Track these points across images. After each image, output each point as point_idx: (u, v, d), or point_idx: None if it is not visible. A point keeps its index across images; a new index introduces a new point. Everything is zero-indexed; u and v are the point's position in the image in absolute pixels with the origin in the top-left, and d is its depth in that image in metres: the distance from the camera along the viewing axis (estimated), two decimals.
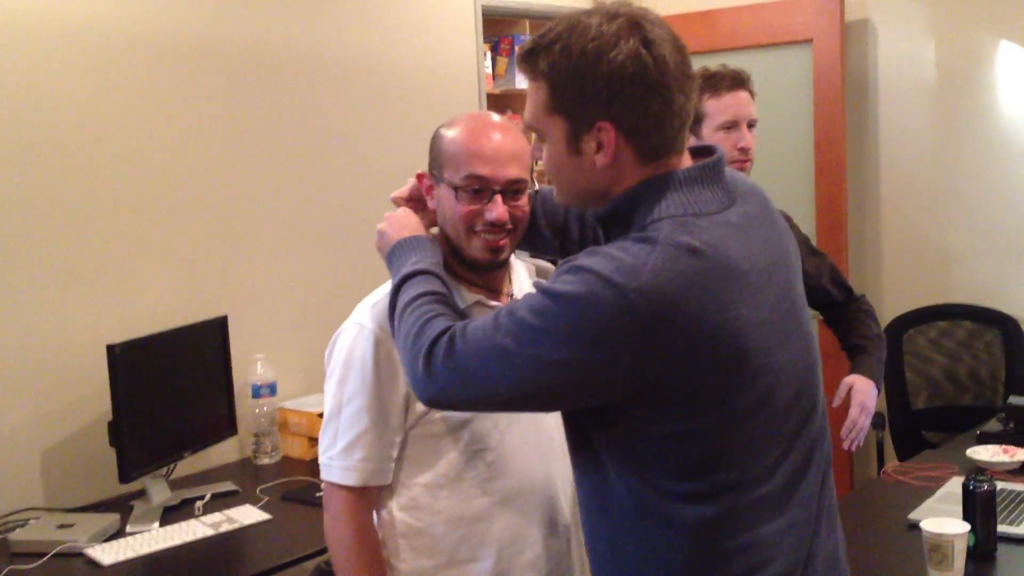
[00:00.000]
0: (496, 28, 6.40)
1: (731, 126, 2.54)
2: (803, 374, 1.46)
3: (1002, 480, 2.60)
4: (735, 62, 4.51)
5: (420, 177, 1.87)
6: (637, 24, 1.39)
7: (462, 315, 1.58)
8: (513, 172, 1.76)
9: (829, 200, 4.30)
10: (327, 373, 1.87)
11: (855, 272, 4.34)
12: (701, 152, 1.49)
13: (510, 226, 1.78)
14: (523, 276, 1.97)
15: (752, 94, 2.58)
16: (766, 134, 4.44)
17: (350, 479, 1.80)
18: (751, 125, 2.56)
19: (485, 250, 1.78)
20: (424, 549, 1.84)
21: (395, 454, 1.82)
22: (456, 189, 1.76)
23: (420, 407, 1.79)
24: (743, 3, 4.48)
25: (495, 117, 1.86)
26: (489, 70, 6.41)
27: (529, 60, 1.43)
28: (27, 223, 2.91)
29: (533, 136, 1.55)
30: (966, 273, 4.21)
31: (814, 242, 3.21)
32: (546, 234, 1.89)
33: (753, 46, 4.37)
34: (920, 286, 4.27)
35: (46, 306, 2.94)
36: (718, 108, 2.55)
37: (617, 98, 1.37)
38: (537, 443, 1.88)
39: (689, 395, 1.34)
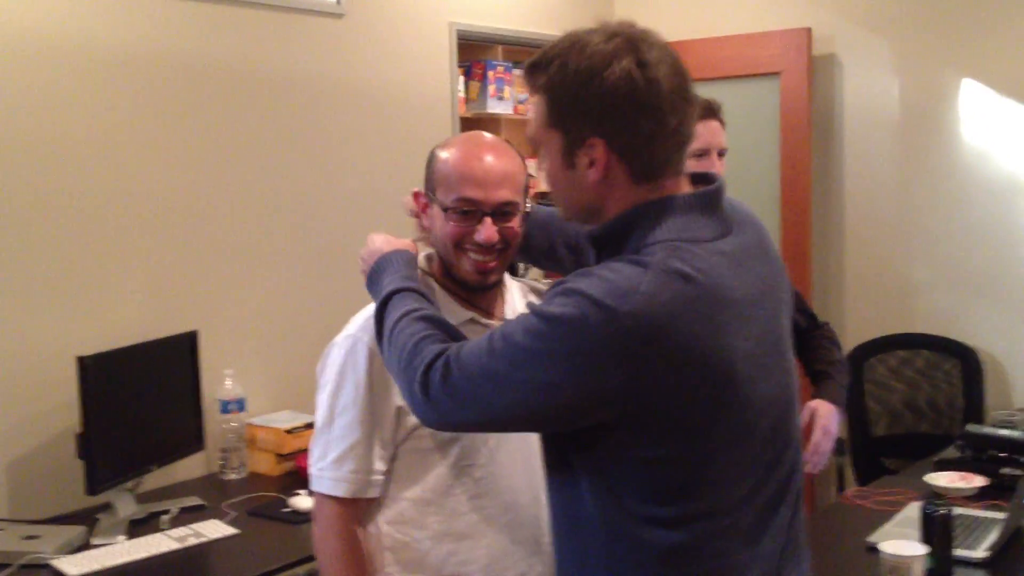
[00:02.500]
0: (469, 53, 6.46)
1: (701, 154, 2.60)
2: (781, 408, 1.48)
3: (959, 506, 2.65)
4: (705, 92, 4.58)
5: (416, 195, 1.90)
6: (634, 45, 1.41)
7: (448, 328, 1.59)
8: (503, 194, 1.79)
9: (794, 229, 4.38)
10: (319, 385, 1.88)
11: (818, 300, 4.41)
12: (702, 179, 1.51)
13: (500, 246, 1.81)
14: (516, 296, 1.98)
15: (722, 123, 2.64)
16: (734, 163, 4.49)
17: (340, 490, 1.81)
18: (721, 154, 2.61)
19: (474, 271, 1.81)
20: (410, 564, 1.86)
21: (385, 467, 1.84)
22: (447, 210, 1.79)
23: (412, 421, 1.81)
24: (713, 35, 4.56)
25: (490, 138, 1.89)
26: (462, 94, 6.47)
27: (531, 75, 1.47)
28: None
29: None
30: (927, 304, 4.29)
31: None
32: (534, 254, 1.94)
33: (723, 77, 4.45)
34: (881, 316, 4.35)
35: (15, 317, 2.93)
36: None
37: (608, 116, 1.40)
38: (526, 462, 1.90)
39: (674, 421, 1.35)
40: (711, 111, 2.61)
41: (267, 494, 3.13)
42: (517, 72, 6.93)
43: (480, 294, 1.89)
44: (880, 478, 3.33)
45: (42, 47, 2.99)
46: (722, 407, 1.37)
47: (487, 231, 1.78)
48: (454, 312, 1.86)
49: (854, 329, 4.34)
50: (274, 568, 2.63)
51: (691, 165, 2.59)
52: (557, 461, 1.52)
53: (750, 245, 1.49)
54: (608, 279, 1.35)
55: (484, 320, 1.89)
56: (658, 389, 1.33)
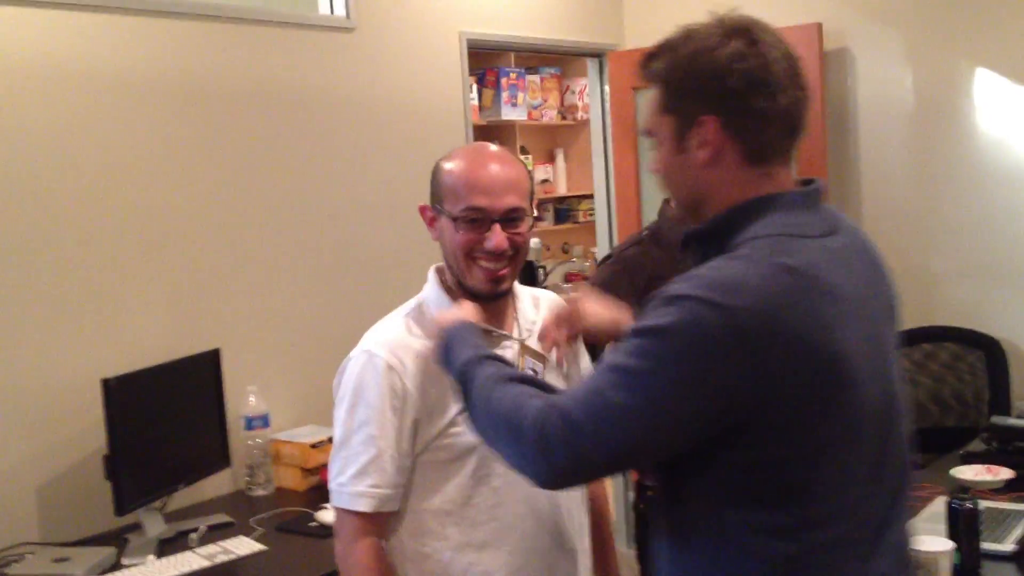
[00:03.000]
0: (482, 60, 6.48)
1: None
2: (888, 417, 1.44)
3: (986, 499, 2.64)
4: None
5: (423, 210, 1.93)
6: (746, 29, 1.43)
7: (540, 383, 1.54)
8: (511, 201, 1.83)
9: None
10: (336, 401, 1.90)
11: None
12: (801, 183, 1.51)
13: (510, 253, 1.84)
14: (527, 304, 2.01)
15: None
16: None
17: (361, 505, 1.83)
18: None
19: (486, 280, 1.85)
20: (432, 575, 1.87)
21: (404, 480, 1.86)
22: (456, 220, 1.82)
23: (429, 433, 1.84)
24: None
25: (493, 148, 1.93)
26: (475, 102, 6.49)
27: (645, 66, 1.49)
28: (18, 258, 2.94)
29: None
30: (948, 295, 4.27)
31: None
32: None
33: None
34: (903, 309, 4.32)
35: (39, 341, 2.96)
36: None
37: (719, 92, 1.40)
38: None
39: (787, 419, 1.32)
40: None
41: (294, 509, 3.14)
42: (530, 78, 6.94)
43: (491, 304, 1.90)
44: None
45: (59, 71, 3.02)
46: (832, 404, 1.34)
47: (496, 238, 1.82)
48: None
49: None
50: None
51: None
52: (662, 470, 1.48)
53: (855, 247, 1.47)
54: (712, 278, 1.33)
55: (497, 330, 1.91)
56: (774, 384, 1.30)
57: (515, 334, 1.95)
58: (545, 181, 7.27)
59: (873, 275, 1.48)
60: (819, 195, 1.46)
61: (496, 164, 1.86)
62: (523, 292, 2.03)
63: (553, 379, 1.88)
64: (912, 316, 4.26)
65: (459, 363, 1.61)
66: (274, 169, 3.58)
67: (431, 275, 1.98)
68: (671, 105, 1.45)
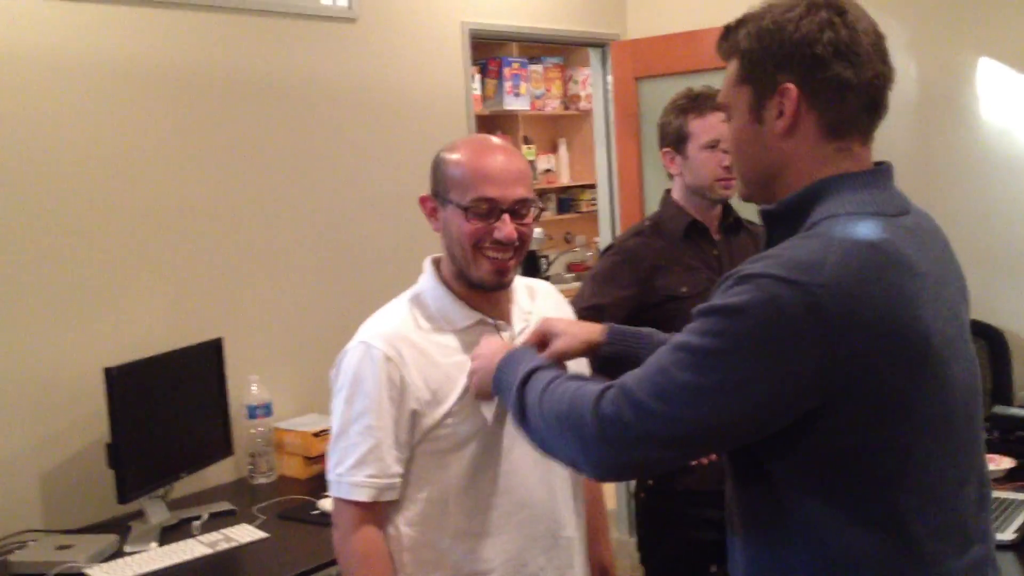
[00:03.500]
0: (484, 51, 6.48)
1: (715, 145, 2.60)
2: (971, 397, 1.40)
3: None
4: (712, 81, 4.59)
5: (424, 200, 1.93)
6: (834, 1, 1.40)
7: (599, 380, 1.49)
8: (520, 192, 1.85)
9: None
10: (333, 392, 1.91)
11: None
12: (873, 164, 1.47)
13: (517, 244, 1.86)
14: (523, 295, 2.02)
15: None
16: None
17: (360, 495, 1.84)
18: None
19: (493, 271, 1.86)
20: (430, 563, 1.89)
21: (402, 470, 1.87)
22: (465, 210, 1.82)
23: (427, 423, 1.85)
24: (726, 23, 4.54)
25: (496, 140, 1.94)
26: (478, 92, 6.49)
27: (726, 38, 1.46)
28: (21, 248, 2.94)
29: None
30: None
31: None
32: None
33: None
34: None
35: (42, 331, 2.97)
36: (703, 128, 2.61)
37: (804, 59, 1.36)
38: (540, 457, 1.91)
39: (876, 401, 1.27)
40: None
41: (296, 497, 3.15)
42: (533, 68, 6.94)
43: (490, 295, 1.91)
44: None
45: (68, 62, 3.03)
46: (922, 384, 1.29)
47: (507, 228, 1.83)
48: (462, 314, 1.90)
49: None
50: (305, 570, 2.65)
51: (705, 157, 2.62)
52: (745, 465, 1.41)
53: (927, 228, 1.44)
54: (789, 257, 1.28)
55: (493, 321, 1.92)
56: (859, 366, 1.25)
57: (512, 323, 1.96)
58: (548, 171, 7.26)
59: (945, 256, 1.46)
60: (891, 174, 1.43)
61: (503, 155, 1.87)
62: (518, 282, 2.04)
63: None
64: None
65: (520, 374, 1.57)
66: (276, 160, 3.59)
67: (427, 266, 1.98)
68: (751, 74, 1.41)
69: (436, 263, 1.97)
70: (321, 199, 3.72)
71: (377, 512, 1.87)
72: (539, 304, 2.05)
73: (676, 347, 1.32)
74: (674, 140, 2.67)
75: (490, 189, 1.82)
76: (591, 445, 1.37)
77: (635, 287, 2.67)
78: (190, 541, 2.79)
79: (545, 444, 1.51)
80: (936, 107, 4.25)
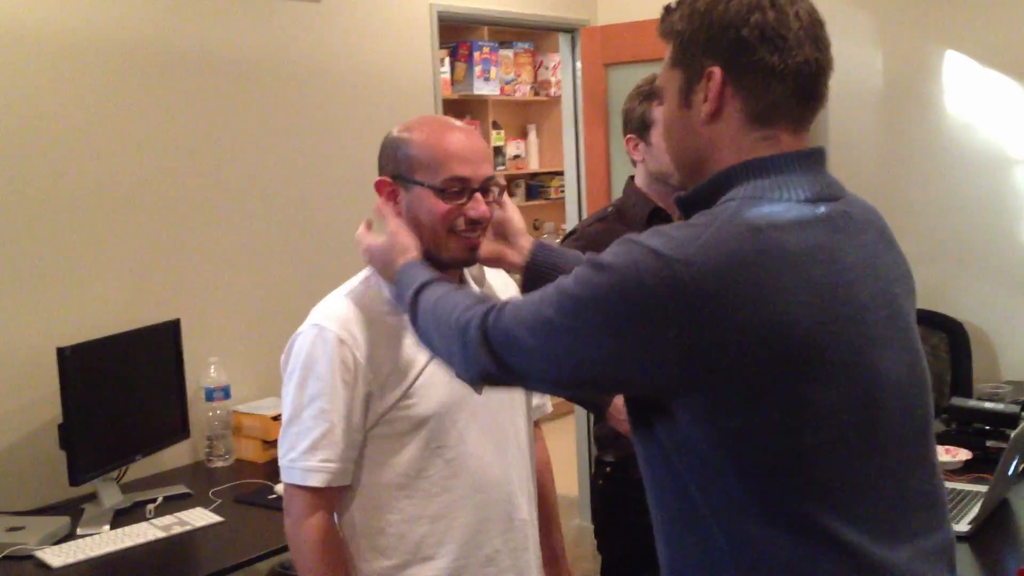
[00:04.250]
0: (455, 34, 6.44)
1: None
2: (909, 390, 1.37)
3: (945, 480, 2.65)
4: None
5: (380, 185, 1.87)
6: None
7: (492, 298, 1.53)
8: (487, 170, 1.84)
9: None
10: (285, 376, 1.88)
11: None
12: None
13: (485, 222, 1.84)
14: (469, 278, 2.01)
15: None
16: None
17: (313, 480, 1.81)
18: None
19: (464, 249, 1.83)
20: (386, 548, 1.87)
21: (355, 454, 1.84)
22: (440, 191, 1.79)
23: (381, 407, 1.83)
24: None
25: (452, 119, 1.92)
26: (447, 75, 6.45)
27: (663, 20, 1.43)
28: None
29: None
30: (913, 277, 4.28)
31: None
32: None
33: None
34: None
35: None
36: (658, 116, 2.60)
37: (729, 42, 1.33)
38: (495, 440, 1.93)
39: (751, 384, 1.24)
40: None
41: (253, 481, 3.12)
42: (503, 53, 6.90)
43: (451, 274, 1.89)
44: None
45: (15, 35, 2.97)
46: (810, 369, 1.25)
47: (481, 207, 1.81)
48: None
49: None
50: (259, 554, 2.65)
51: (660, 147, 2.59)
52: (651, 451, 1.38)
53: (861, 217, 1.39)
54: (669, 232, 1.28)
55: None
56: (722, 347, 1.23)
57: None
58: (517, 157, 7.25)
59: (879, 247, 1.40)
60: (816, 158, 1.37)
61: (465, 134, 1.85)
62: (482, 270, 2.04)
63: None
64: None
65: (416, 282, 1.64)
66: (238, 140, 3.54)
67: None
68: (681, 58, 1.38)
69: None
70: (284, 180, 3.69)
71: (330, 497, 1.85)
72: (489, 281, 2.05)
73: (556, 285, 1.35)
74: (637, 127, 2.66)
75: (462, 168, 1.80)
76: (469, 353, 1.43)
77: None
78: (143, 524, 2.77)
79: (425, 340, 1.60)
80: (901, 100, 4.27)
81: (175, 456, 3.31)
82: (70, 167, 3.10)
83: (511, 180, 7.36)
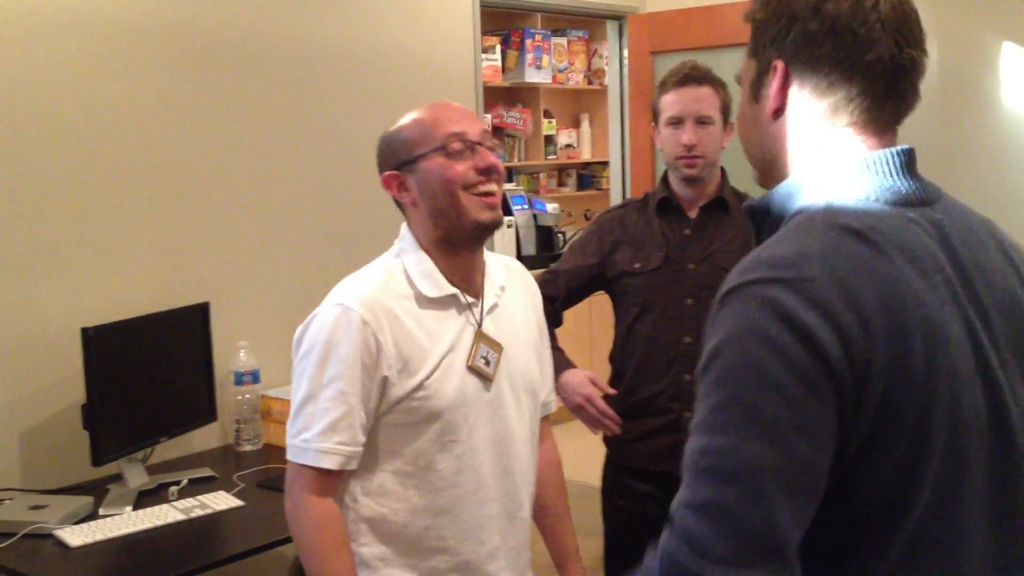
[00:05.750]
0: (507, 21, 6.40)
1: (677, 122, 2.54)
2: (999, 429, 1.16)
3: None
4: (730, 59, 4.47)
5: (388, 180, 1.89)
6: None
7: None
8: (480, 125, 1.89)
9: None
10: (299, 354, 1.86)
11: None
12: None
13: (497, 175, 1.87)
14: (497, 267, 2.00)
15: (717, 90, 2.56)
16: None
17: (328, 462, 1.80)
18: (702, 122, 2.53)
19: (485, 207, 1.84)
20: (387, 536, 1.86)
21: (365, 439, 1.83)
22: (443, 150, 1.82)
23: (396, 393, 1.82)
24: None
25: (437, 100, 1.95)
26: (498, 63, 6.41)
27: (748, 7, 1.32)
28: (4, 206, 2.92)
29: None
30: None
31: None
32: None
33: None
34: None
35: (23, 288, 2.96)
36: (667, 103, 2.57)
37: (793, 33, 1.22)
38: (502, 438, 1.91)
39: (889, 407, 1.07)
40: (692, 77, 2.55)
41: (279, 466, 3.10)
42: (556, 40, 6.84)
43: (470, 255, 1.89)
44: None
45: (52, 17, 2.99)
46: (929, 405, 1.09)
47: (488, 156, 1.85)
48: (439, 285, 1.87)
49: None
50: (276, 540, 2.63)
51: (668, 134, 2.57)
52: None
53: (962, 225, 1.25)
54: (767, 257, 1.13)
55: (465, 297, 1.89)
56: (873, 365, 1.06)
57: (485, 295, 1.93)
58: (569, 146, 7.18)
59: (986, 262, 1.23)
60: (903, 159, 1.23)
61: (450, 103, 1.91)
62: (494, 258, 2.02)
63: (507, 364, 1.91)
64: None
65: None
66: (272, 121, 3.54)
67: (405, 231, 1.94)
68: (754, 48, 1.28)
69: (412, 231, 1.93)
70: (317, 163, 3.68)
71: (337, 481, 1.83)
72: (512, 281, 2.03)
73: (697, 424, 1.11)
74: (654, 116, 2.64)
75: (456, 125, 1.84)
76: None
77: (597, 258, 2.70)
78: (164, 506, 2.77)
79: None
80: (956, 91, 4.14)
81: (204, 439, 3.32)
82: (99, 148, 3.12)
83: (562, 169, 7.30)
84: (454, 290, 1.88)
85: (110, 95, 3.13)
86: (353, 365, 1.78)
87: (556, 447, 2.22)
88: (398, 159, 1.87)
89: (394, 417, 1.83)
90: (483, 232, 1.87)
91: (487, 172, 1.83)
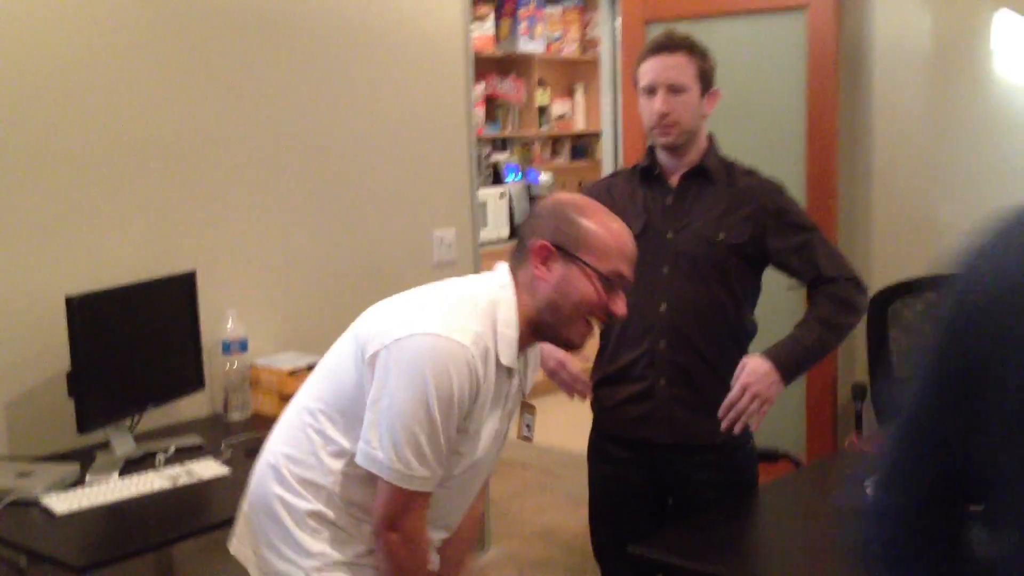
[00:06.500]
0: None
1: (651, 90, 2.53)
2: None
3: None
4: (726, 28, 4.46)
5: (542, 248, 1.91)
6: None
7: None
8: (632, 270, 1.98)
9: (819, 168, 4.24)
10: (405, 374, 1.84)
11: (844, 243, 4.28)
12: None
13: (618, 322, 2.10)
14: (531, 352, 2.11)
15: (693, 57, 2.53)
16: (756, 103, 4.39)
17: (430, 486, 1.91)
18: (675, 89, 2.51)
19: (583, 337, 1.96)
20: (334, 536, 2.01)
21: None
22: (603, 278, 1.90)
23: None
24: None
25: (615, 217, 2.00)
26: (492, 32, 6.37)
27: None
28: None
29: None
30: (957, 244, 4.14)
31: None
32: None
33: (745, 12, 4.30)
34: (910, 257, 4.21)
35: (7, 257, 2.94)
36: (642, 72, 2.58)
37: None
38: (474, 487, 2.12)
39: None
40: (664, 46, 2.54)
41: (267, 434, 3.11)
42: (550, 10, 6.79)
43: (527, 345, 1.99)
44: None
45: None
46: None
47: (623, 306, 1.95)
48: (512, 358, 1.93)
49: (880, 270, 4.21)
50: None
51: (643, 103, 2.56)
52: None
53: None
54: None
55: (520, 373, 2.02)
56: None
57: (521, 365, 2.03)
58: (562, 117, 7.15)
59: None
60: None
61: (630, 236, 1.98)
62: None
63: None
64: (918, 264, 4.16)
65: None
66: (261, 87, 3.51)
67: (509, 282, 1.95)
68: None
69: (514, 310, 1.94)
70: (305, 129, 3.65)
71: None
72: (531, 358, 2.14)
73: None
74: (635, 85, 2.63)
75: (628, 269, 1.93)
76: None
77: None
78: (151, 474, 2.77)
79: None
80: (951, 60, 4.11)
81: (193, 407, 3.32)
82: (84, 112, 3.08)
83: (556, 140, 7.27)
84: (517, 364, 1.96)
85: (96, 60, 3.10)
86: (462, 407, 1.85)
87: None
88: (563, 242, 1.91)
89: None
90: (565, 348, 2.04)
91: (611, 317, 1.95)
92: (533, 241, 1.91)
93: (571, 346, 1.97)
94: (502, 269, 1.97)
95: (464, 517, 2.17)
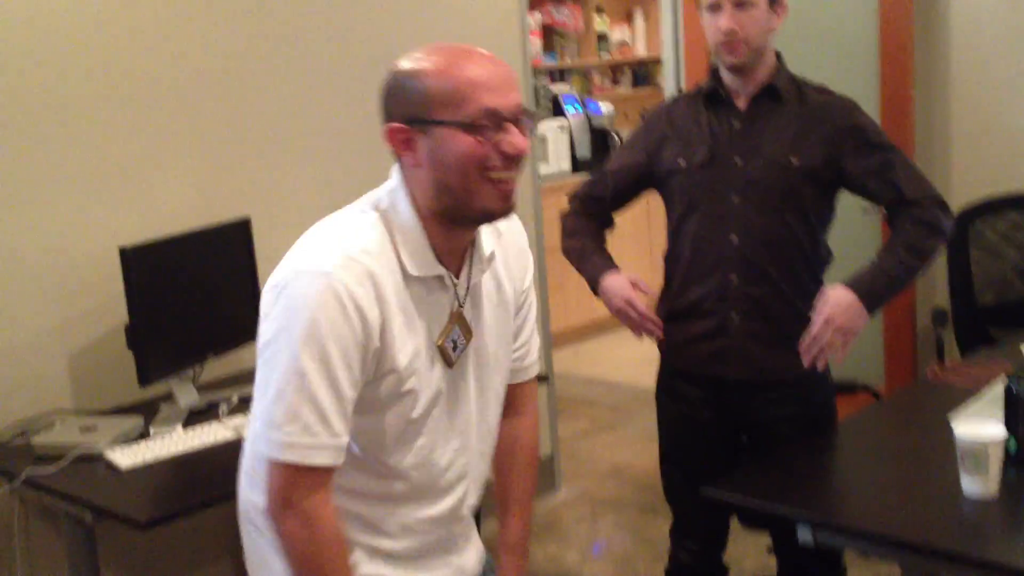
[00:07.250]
0: None
1: (715, 7, 2.39)
2: None
3: None
4: None
5: (393, 133, 1.63)
6: None
7: None
8: (518, 97, 1.60)
9: (894, 83, 4.05)
10: (273, 327, 1.68)
11: (921, 161, 4.08)
12: None
13: (522, 161, 1.61)
14: (486, 237, 1.75)
15: None
16: (829, 17, 4.20)
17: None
18: (742, 5, 2.36)
19: (500, 198, 1.60)
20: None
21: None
22: (470, 127, 1.55)
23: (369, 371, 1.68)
24: None
25: (464, 44, 1.65)
26: None
27: None
28: (39, 124, 2.85)
29: None
30: None
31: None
32: None
33: None
34: (991, 174, 4.02)
35: (63, 209, 2.90)
36: None
37: None
38: (462, 429, 1.79)
39: None
40: None
41: None
42: None
43: (457, 242, 1.69)
44: (980, 350, 3.10)
45: None
46: None
47: (517, 139, 1.58)
48: (428, 265, 1.66)
49: (960, 190, 4.02)
50: None
51: (707, 21, 2.42)
52: None
53: None
54: None
55: (451, 279, 1.70)
56: None
57: (467, 270, 1.73)
58: (622, 43, 6.96)
59: None
60: None
61: (486, 59, 1.60)
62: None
63: (475, 354, 1.75)
64: (1000, 182, 3.97)
65: None
66: (312, 28, 3.43)
67: (399, 185, 1.69)
68: None
69: (412, 199, 1.67)
70: (357, 67, 3.55)
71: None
72: (503, 246, 1.80)
73: None
74: (697, 3, 2.50)
75: (490, 98, 1.55)
76: None
77: (644, 154, 2.60)
78: (214, 424, 2.74)
79: None
80: None
81: (255, 356, 3.27)
82: (134, 60, 3.03)
83: (616, 67, 7.09)
84: (441, 271, 1.67)
85: (145, 9, 3.03)
86: (346, 347, 1.57)
87: (535, 425, 2.01)
88: (410, 113, 1.60)
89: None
90: (490, 220, 1.65)
91: (512, 158, 1.58)
92: (385, 128, 1.64)
93: (494, 215, 1.61)
94: (393, 171, 1.72)
95: (509, 452, 1.93)
